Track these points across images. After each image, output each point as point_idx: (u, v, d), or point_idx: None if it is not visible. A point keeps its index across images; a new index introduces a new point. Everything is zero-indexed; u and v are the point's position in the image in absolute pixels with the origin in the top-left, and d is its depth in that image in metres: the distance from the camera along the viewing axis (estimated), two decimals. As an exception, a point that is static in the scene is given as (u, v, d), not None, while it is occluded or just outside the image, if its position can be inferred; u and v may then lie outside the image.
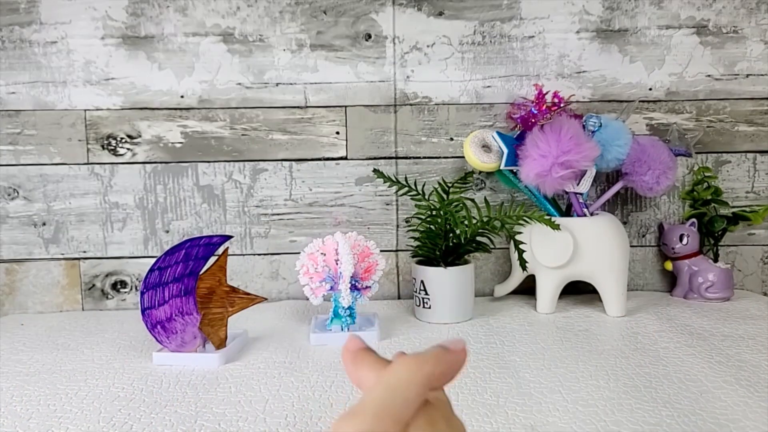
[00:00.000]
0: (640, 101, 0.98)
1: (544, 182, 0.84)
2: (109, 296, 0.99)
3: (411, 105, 0.98)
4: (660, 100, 0.99)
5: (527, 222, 0.83)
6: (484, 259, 1.01)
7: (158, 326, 0.68)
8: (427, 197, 0.90)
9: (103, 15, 0.95)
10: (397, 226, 1.00)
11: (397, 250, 1.01)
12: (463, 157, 0.92)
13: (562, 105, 0.92)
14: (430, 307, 0.84)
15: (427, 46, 0.97)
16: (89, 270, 0.98)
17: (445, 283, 0.83)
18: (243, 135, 0.98)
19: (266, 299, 0.76)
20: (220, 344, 0.71)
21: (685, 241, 0.94)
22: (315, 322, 0.81)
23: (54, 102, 0.96)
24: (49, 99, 0.95)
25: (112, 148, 0.97)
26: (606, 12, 0.97)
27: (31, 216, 0.97)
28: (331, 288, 0.77)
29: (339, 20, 0.97)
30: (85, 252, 0.98)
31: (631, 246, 0.99)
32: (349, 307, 0.78)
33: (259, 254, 1.00)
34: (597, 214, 0.91)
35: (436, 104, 0.98)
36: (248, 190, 0.99)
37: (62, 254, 0.98)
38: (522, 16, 0.97)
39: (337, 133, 0.98)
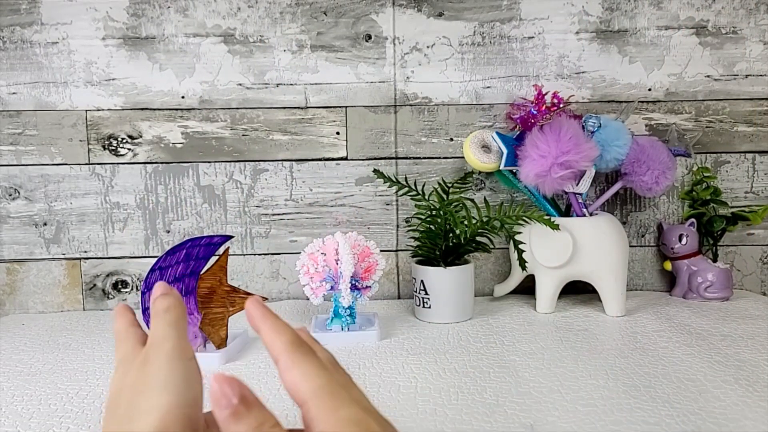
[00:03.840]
0: (639, 102, 0.99)
1: (543, 182, 0.84)
2: (110, 296, 0.99)
3: (411, 105, 0.98)
4: (659, 101, 0.99)
5: (527, 222, 0.84)
6: (484, 259, 1.01)
7: (159, 326, 0.68)
8: (427, 197, 0.91)
9: (104, 16, 0.95)
10: (397, 226, 1.01)
11: (397, 250, 1.01)
12: (463, 157, 0.92)
13: (561, 105, 0.92)
14: (430, 307, 0.84)
15: (427, 47, 0.97)
16: (90, 270, 0.99)
17: (445, 283, 0.83)
18: (243, 135, 0.98)
19: (267, 299, 0.77)
20: (221, 344, 0.71)
21: (684, 241, 0.94)
22: (315, 322, 0.81)
23: (55, 102, 0.96)
24: (50, 99, 0.96)
25: (113, 148, 0.97)
26: (605, 13, 0.97)
27: (32, 216, 0.97)
28: (332, 288, 0.77)
29: (339, 21, 0.97)
30: (86, 252, 0.98)
31: (630, 246, 0.99)
32: (350, 307, 0.78)
33: (259, 254, 1.00)
34: (596, 214, 0.91)
35: (435, 105, 0.98)
36: (249, 191, 0.99)
37: (63, 254, 0.98)
38: (521, 16, 0.97)
39: (338, 133, 0.98)
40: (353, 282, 0.77)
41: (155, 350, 0.30)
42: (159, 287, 0.34)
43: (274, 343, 0.29)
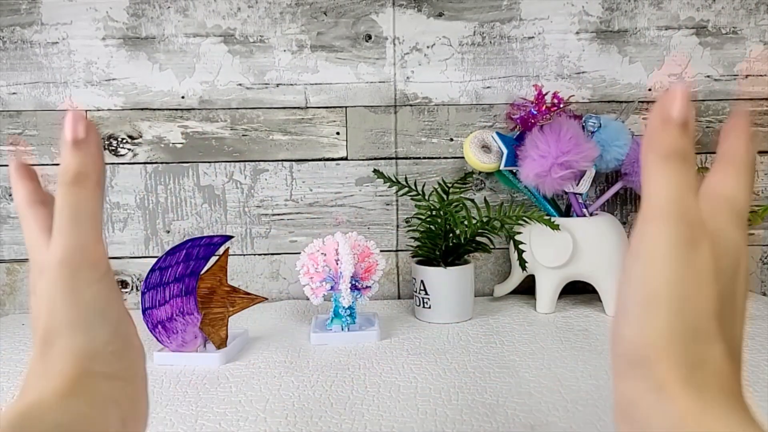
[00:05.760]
0: (639, 102, 0.99)
1: (543, 182, 0.84)
2: (110, 296, 0.99)
3: (411, 106, 0.98)
4: (659, 101, 0.99)
5: (527, 222, 0.84)
6: (484, 259, 1.01)
7: (159, 326, 0.69)
8: (427, 197, 0.91)
9: (104, 16, 0.95)
10: (397, 226, 1.01)
11: (397, 250, 1.01)
12: (463, 157, 0.92)
13: (561, 105, 0.92)
14: (430, 307, 0.84)
15: (427, 47, 0.97)
16: (90, 270, 0.99)
17: (445, 283, 0.83)
18: (243, 135, 0.98)
19: (267, 299, 0.77)
20: (221, 344, 0.71)
21: (684, 241, 0.94)
22: (315, 322, 0.81)
23: (55, 102, 0.96)
24: (50, 99, 0.96)
25: (113, 148, 0.97)
26: (605, 13, 0.97)
27: (32, 216, 0.97)
28: (332, 288, 0.77)
29: (339, 21, 0.97)
30: (85, 252, 0.98)
31: (630, 246, 0.99)
32: (350, 307, 0.78)
33: (259, 254, 1.00)
34: (596, 214, 0.91)
35: (436, 105, 0.98)
36: (249, 191, 0.99)
37: (63, 254, 0.98)
38: (522, 17, 0.97)
39: (338, 133, 0.98)
40: (353, 282, 0.77)
41: (55, 261, 0.25)
42: (69, 117, 0.26)
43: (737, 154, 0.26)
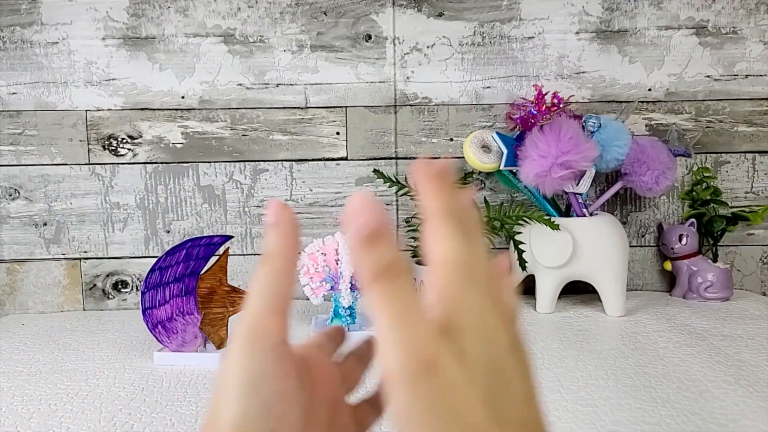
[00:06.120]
0: (639, 102, 0.98)
1: (543, 182, 0.84)
2: (110, 296, 0.99)
3: (411, 105, 0.98)
4: (659, 101, 0.99)
5: (527, 222, 0.84)
6: (483, 259, 1.01)
7: (159, 326, 0.69)
8: (427, 197, 0.91)
9: (104, 16, 0.95)
10: (397, 226, 1.00)
11: (397, 251, 1.01)
12: (463, 157, 0.92)
13: (561, 105, 0.92)
14: (430, 307, 0.84)
15: (427, 47, 0.97)
16: (90, 270, 0.99)
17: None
18: (243, 135, 0.98)
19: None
20: (221, 344, 0.71)
21: (684, 241, 0.94)
22: (315, 322, 0.81)
23: (55, 102, 0.96)
24: (50, 99, 0.96)
25: (113, 148, 0.97)
26: (605, 13, 0.97)
27: (32, 216, 0.97)
28: (332, 288, 0.77)
29: (339, 21, 0.97)
30: (86, 252, 0.98)
31: (630, 246, 0.99)
32: (350, 307, 0.78)
33: (259, 254, 1.00)
34: (596, 214, 0.91)
35: (435, 105, 0.98)
36: (249, 191, 0.99)
37: (63, 254, 0.98)
38: (521, 16, 0.97)
39: (338, 133, 0.98)
40: (353, 282, 0.77)
41: (234, 334, 0.25)
42: (271, 205, 0.26)
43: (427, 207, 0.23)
